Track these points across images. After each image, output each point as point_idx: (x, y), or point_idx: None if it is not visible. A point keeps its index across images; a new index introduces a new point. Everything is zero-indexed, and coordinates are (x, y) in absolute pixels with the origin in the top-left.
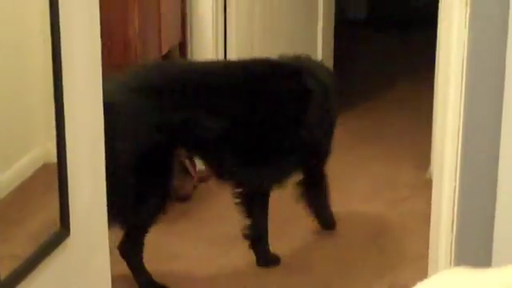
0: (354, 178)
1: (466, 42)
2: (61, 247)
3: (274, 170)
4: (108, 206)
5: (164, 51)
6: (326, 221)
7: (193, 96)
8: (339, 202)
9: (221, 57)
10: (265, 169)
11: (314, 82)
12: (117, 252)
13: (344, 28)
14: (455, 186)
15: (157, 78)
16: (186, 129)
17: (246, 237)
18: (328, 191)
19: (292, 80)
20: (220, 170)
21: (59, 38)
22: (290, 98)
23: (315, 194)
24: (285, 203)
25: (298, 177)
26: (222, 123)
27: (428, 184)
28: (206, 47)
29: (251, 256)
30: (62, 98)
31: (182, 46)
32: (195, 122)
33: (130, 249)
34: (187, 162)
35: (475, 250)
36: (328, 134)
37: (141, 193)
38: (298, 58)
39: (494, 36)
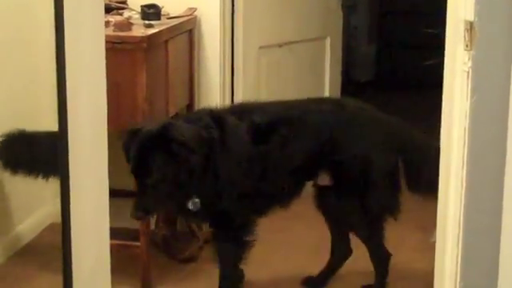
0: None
1: (467, 112)
2: None
3: None
4: None
5: (171, 114)
6: None
7: None
8: None
9: None
10: None
11: None
12: None
13: (352, 89)
14: (457, 253)
15: None
16: None
17: None
18: None
19: None
20: None
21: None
22: None
23: None
24: None
25: None
26: None
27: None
28: None
29: None
30: (68, 166)
31: (190, 107)
32: None
33: None
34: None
35: None
36: None
37: None
38: None
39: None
